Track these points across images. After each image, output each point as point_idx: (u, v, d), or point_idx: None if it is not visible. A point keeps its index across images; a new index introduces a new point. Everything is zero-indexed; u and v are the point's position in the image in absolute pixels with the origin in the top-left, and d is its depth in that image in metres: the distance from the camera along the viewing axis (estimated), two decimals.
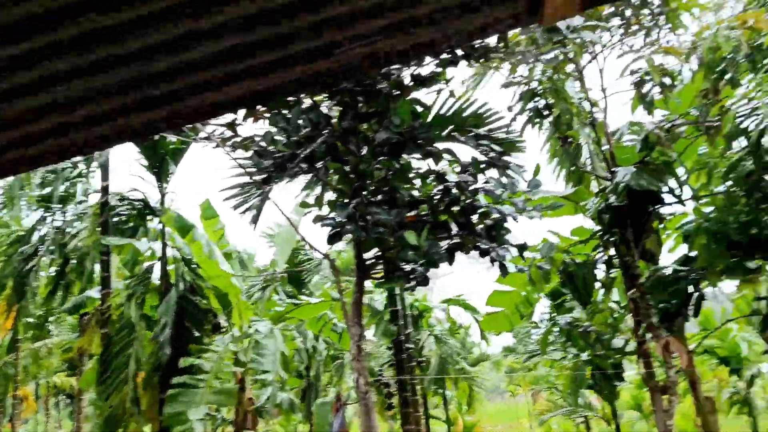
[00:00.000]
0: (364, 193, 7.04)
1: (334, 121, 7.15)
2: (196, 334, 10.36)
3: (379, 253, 7.41)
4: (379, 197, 7.11)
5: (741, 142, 6.31)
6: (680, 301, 7.06)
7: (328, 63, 2.19)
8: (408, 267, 7.01)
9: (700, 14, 6.53)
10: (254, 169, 6.64)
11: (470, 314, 14.88)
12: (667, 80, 6.01)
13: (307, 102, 6.92)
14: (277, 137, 6.90)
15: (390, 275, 7.46)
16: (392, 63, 2.33)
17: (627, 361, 10.90)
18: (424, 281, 7.09)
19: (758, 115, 5.52)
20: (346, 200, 7.16)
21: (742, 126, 5.90)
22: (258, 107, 6.67)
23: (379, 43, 2.20)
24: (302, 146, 6.54)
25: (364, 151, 7.28)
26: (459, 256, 6.93)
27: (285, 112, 6.76)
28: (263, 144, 6.51)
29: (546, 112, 6.08)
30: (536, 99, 6.13)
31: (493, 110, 8.07)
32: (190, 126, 7.28)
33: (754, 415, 14.25)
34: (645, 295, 7.14)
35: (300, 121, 6.68)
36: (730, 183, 6.94)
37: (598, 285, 8.05)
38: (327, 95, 7.25)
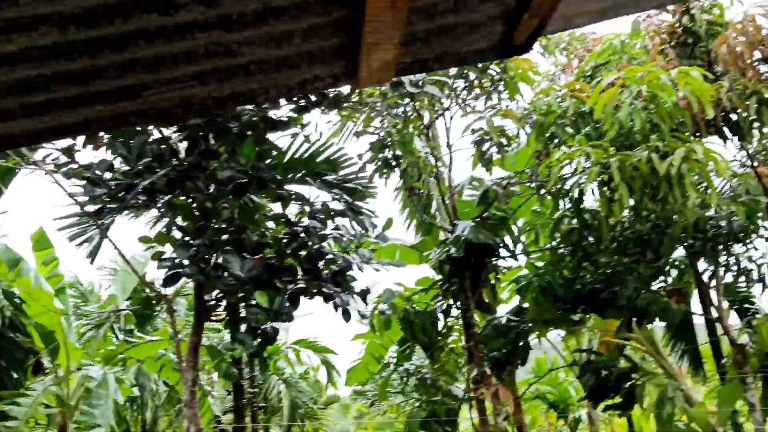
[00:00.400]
0: (209, 232, 6.83)
1: (182, 155, 6.94)
2: (15, 375, 9.43)
3: (221, 295, 7.19)
4: (225, 237, 6.94)
5: (567, 202, 6.86)
6: (510, 351, 7.46)
7: (136, 104, 2.11)
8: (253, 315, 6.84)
9: (536, 83, 7.13)
10: (86, 198, 6.24)
11: (322, 356, 14.79)
12: (504, 141, 6.48)
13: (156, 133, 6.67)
14: (121, 166, 6.56)
15: (233, 323, 7.23)
16: (209, 109, 2.29)
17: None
18: (270, 339, 6.94)
19: (577, 176, 6.04)
20: (188, 239, 6.91)
21: (566, 187, 6.41)
22: (101, 134, 6.33)
23: (192, 89, 2.16)
24: (141, 177, 6.25)
25: (212, 189, 7.11)
26: None
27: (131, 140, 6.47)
28: (98, 172, 6.14)
29: (394, 164, 6.29)
30: (385, 150, 6.33)
31: (348, 156, 8.24)
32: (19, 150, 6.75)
33: None
34: (479, 344, 7.49)
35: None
36: (557, 240, 7.52)
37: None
38: (176, 128, 7.04)
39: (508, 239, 7.76)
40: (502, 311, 9.59)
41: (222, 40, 2.03)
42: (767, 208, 7.53)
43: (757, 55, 6.88)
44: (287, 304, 6.62)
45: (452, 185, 7.47)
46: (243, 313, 6.90)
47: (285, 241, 6.97)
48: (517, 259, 7.54)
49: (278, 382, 13.88)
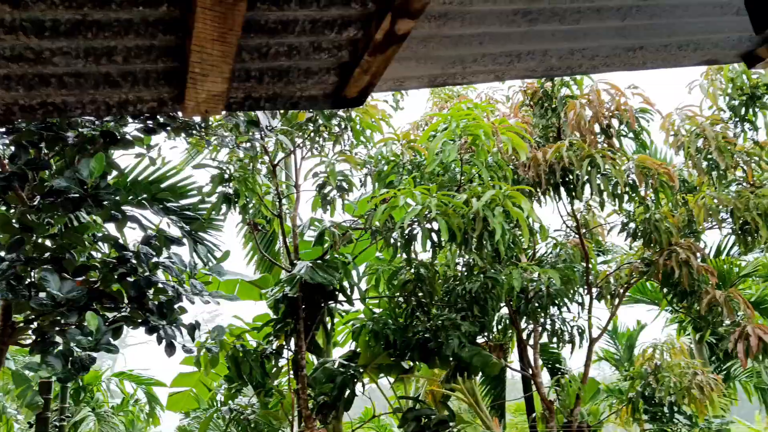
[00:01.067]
0: (27, 248, 6.26)
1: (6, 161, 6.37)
2: None
3: (32, 317, 6.57)
4: (46, 255, 6.40)
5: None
6: (336, 395, 7.46)
7: None
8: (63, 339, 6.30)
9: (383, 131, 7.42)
10: None
11: (145, 389, 13.89)
12: (346, 186, 6.63)
13: None
14: None
15: (41, 347, 6.60)
16: (14, 116, 2.12)
17: None
18: (83, 368, 6.40)
19: (410, 226, 6.28)
20: (1, 253, 6.29)
21: (394, 233, 6.62)
22: None
23: None
24: None
25: (38, 201, 6.56)
26: None
27: None
28: None
29: (235, 199, 6.18)
30: (226, 185, 6.22)
31: (193, 185, 7.99)
32: None
33: None
34: (307, 387, 7.42)
35: None
36: (393, 288, 7.74)
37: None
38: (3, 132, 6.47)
39: (348, 282, 7.84)
40: (338, 355, 9.66)
41: (32, 46, 1.91)
42: (584, 273, 8.28)
43: (597, 127, 7.74)
44: (108, 333, 6.19)
45: (296, 225, 7.47)
46: (56, 338, 6.35)
47: (112, 265, 6.57)
48: (352, 304, 7.63)
49: (90, 415, 12.80)
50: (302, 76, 2.35)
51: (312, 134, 6.74)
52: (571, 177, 7.22)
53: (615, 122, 7.79)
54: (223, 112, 6.24)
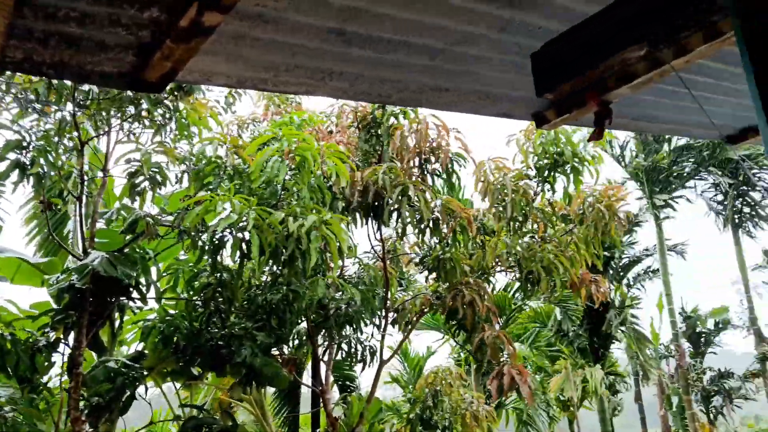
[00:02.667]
0: None
1: None
2: None
3: None
4: None
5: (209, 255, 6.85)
6: (113, 397, 6.99)
7: None
8: None
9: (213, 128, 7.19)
10: None
11: None
12: (160, 178, 6.30)
13: None
14: None
15: None
16: None
17: None
18: None
19: (238, 230, 6.12)
20: None
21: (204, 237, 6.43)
22: None
23: None
24: None
25: None
26: None
27: None
28: None
29: (31, 170, 5.58)
30: (22, 152, 5.59)
31: None
32: None
33: None
34: (81, 386, 6.85)
35: None
36: (192, 291, 7.46)
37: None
38: None
39: (144, 280, 7.41)
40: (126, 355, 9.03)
41: None
42: (383, 297, 8.63)
43: (416, 160, 8.15)
44: None
45: (97, 210, 6.93)
46: None
47: None
48: (146, 302, 7.21)
49: None
50: (95, 49, 2.19)
51: (131, 118, 6.33)
52: (381, 202, 7.52)
53: (433, 159, 8.29)
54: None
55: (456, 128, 8.46)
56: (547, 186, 8.44)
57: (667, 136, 17.80)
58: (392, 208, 7.47)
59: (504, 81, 3.05)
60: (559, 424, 19.76)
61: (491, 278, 9.73)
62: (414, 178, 7.90)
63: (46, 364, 6.81)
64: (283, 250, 5.92)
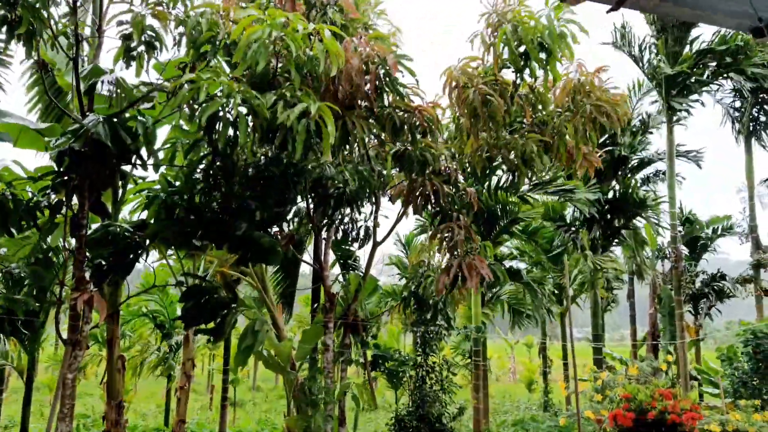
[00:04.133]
0: None
1: None
2: None
3: None
4: None
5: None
6: (115, 260, 7.19)
7: None
8: None
9: None
10: None
11: None
12: (156, 43, 6.13)
13: None
14: None
15: None
16: None
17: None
18: None
19: (228, 110, 6.01)
20: None
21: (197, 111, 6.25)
22: None
23: None
24: None
25: None
26: None
27: None
28: None
29: (18, 29, 5.38)
30: (7, 7, 5.35)
31: None
32: None
33: (172, 379, 15.68)
34: (85, 248, 7.04)
35: None
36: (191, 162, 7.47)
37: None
38: None
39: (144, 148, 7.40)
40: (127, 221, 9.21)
41: None
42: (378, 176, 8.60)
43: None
44: None
45: (95, 72, 6.79)
46: None
47: None
48: (146, 169, 7.25)
49: None
50: None
51: None
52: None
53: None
54: None
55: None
56: (527, 73, 7.79)
57: (689, 39, 17.10)
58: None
59: None
60: (551, 319, 20.47)
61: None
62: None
63: (49, 225, 6.95)
64: (274, 135, 5.84)
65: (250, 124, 6.04)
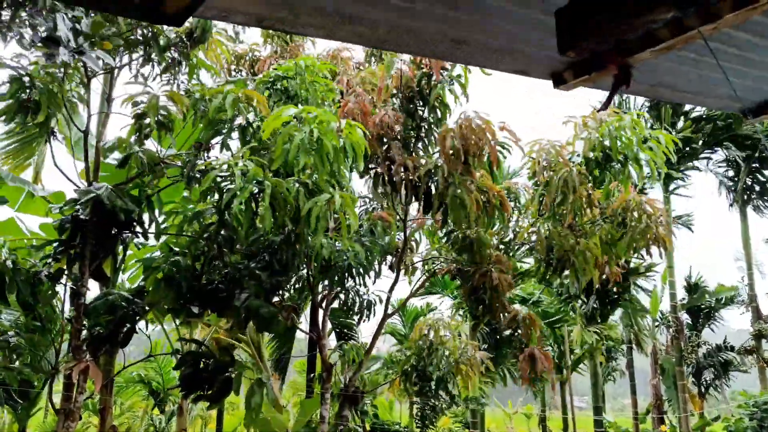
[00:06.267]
0: None
1: None
2: None
3: None
4: None
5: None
6: (113, 330, 7.10)
7: None
8: None
9: (219, 70, 7.05)
10: None
11: None
12: (167, 122, 6.23)
13: None
14: None
15: None
16: None
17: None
18: None
19: (231, 184, 6.12)
20: None
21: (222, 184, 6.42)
22: None
23: None
24: None
25: None
26: None
27: None
28: None
29: (37, 118, 5.51)
30: (26, 92, 5.50)
31: None
32: None
33: None
34: (83, 317, 6.95)
35: None
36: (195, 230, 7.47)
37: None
38: None
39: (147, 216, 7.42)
40: (125, 288, 9.13)
41: None
42: (384, 246, 8.65)
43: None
44: None
45: (101, 143, 6.88)
46: None
47: None
48: (147, 238, 7.25)
49: None
50: None
51: (140, 58, 6.22)
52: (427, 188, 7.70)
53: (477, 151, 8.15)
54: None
55: (503, 122, 8.26)
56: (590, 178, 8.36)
57: (684, 108, 17.49)
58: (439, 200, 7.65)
59: (525, 37, 2.96)
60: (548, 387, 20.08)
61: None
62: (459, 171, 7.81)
63: (50, 293, 6.88)
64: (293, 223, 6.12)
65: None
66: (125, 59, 6.75)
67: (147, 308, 7.85)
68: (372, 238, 8.08)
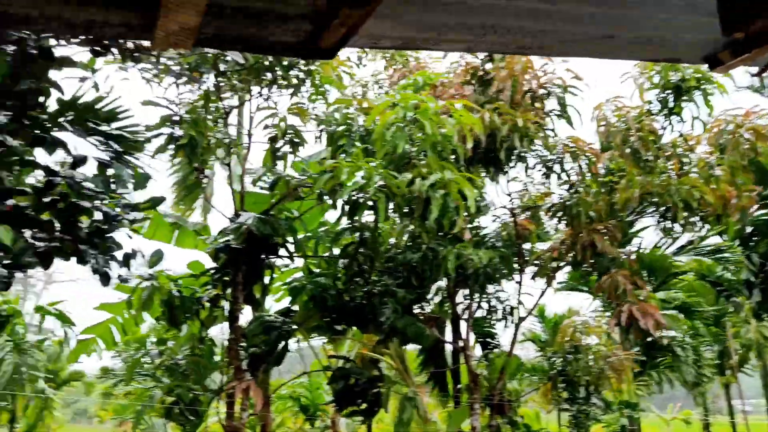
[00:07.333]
0: None
1: None
2: None
3: None
4: None
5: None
6: (269, 349, 7.47)
7: None
8: None
9: (347, 87, 7.27)
10: None
11: (66, 327, 13.46)
12: (297, 140, 6.53)
13: None
14: None
15: None
16: None
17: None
18: (3, 287, 6.11)
19: (367, 193, 6.22)
20: None
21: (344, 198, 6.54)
22: None
23: None
24: None
25: None
26: None
27: None
28: None
29: (181, 141, 5.98)
30: (174, 126, 5.99)
31: (126, 110, 7.57)
32: None
33: None
34: (241, 338, 7.38)
35: None
36: (337, 251, 7.73)
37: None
38: None
39: (290, 240, 7.79)
40: (272, 309, 9.59)
41: None
42: (516, 255, 8.44)
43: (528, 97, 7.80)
44: (34, 259, 5.91)
45: (245, 174, 7.32)
46: None
47: (41, 191, 6.26)
48: (293, 261, 7.60)
49: (8, 348, 12.35)
50: (277, 21, 2.26)
51: (269, 84, 6.56)
52: (496, 148, 7.28)
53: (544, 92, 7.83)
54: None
55: (565, 59, 7.85)
56: (677, 118, 7.81)
57: None
58: (513, 154, 7.28)
59: (676, 23, 2.79)
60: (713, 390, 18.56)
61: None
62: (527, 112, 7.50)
63: (215, 316, 7.37)
64: (412, 210, 6.04)
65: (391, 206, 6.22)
66: (254, 90, 7.16)
67: (295, 327, 8.21)
68: (506, 243, 7.95)
